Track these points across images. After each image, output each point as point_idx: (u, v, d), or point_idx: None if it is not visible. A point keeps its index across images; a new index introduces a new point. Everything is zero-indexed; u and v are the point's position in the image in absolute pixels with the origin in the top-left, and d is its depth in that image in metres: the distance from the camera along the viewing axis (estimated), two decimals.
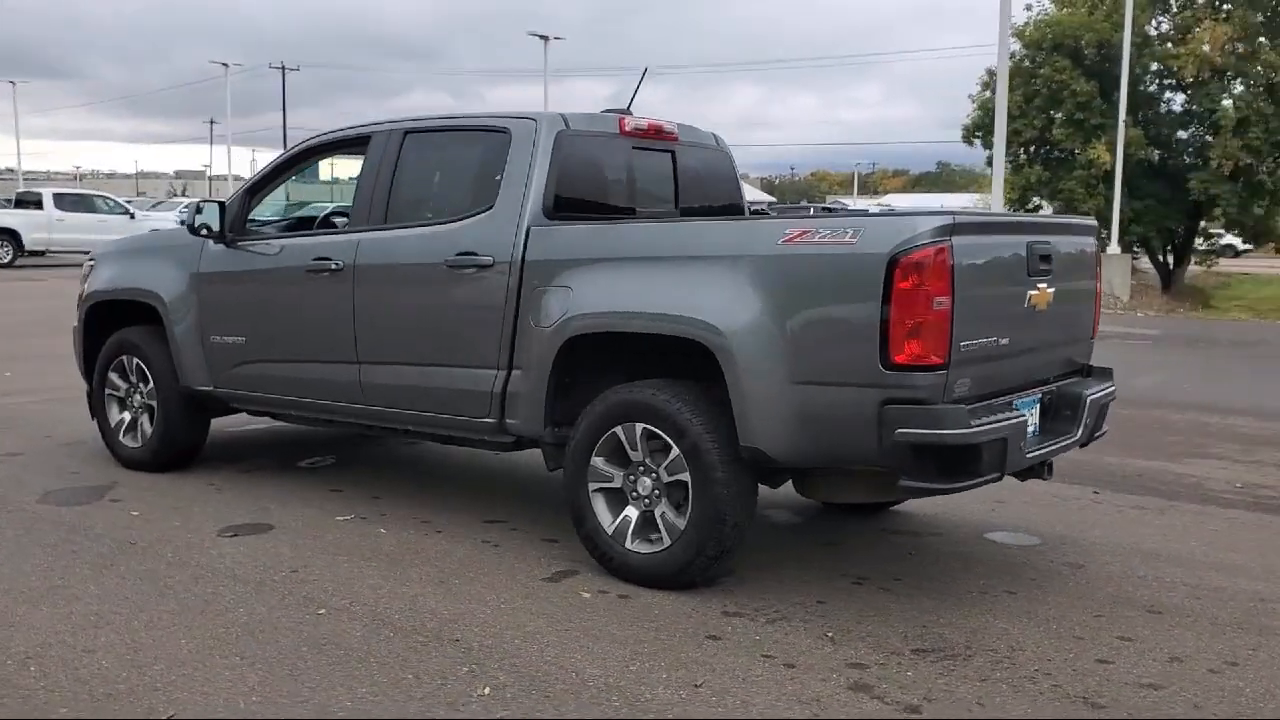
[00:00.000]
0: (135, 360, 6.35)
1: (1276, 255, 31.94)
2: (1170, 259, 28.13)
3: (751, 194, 43.98)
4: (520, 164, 4.95)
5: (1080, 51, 26.24)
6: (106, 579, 4.56)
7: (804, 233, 4.17)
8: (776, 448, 4.21)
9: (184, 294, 6.10)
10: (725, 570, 4.57)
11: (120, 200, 30.25)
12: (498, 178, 5.03)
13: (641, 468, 4.54)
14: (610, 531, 4.61)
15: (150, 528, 5.28)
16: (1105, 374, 5.14)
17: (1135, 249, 27.19)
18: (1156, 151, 26.57)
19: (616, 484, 4.62)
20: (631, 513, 4.59)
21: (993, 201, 19.84)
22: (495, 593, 4.46)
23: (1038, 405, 4.59)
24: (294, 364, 5.75)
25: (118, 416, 6.49)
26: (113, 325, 6.54)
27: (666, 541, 4.47)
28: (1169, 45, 26.05)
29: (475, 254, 4.96)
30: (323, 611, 4.23)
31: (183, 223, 25.27)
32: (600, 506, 4.65)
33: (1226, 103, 25.04)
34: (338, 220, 6.36)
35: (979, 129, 27.50)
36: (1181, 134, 27.03)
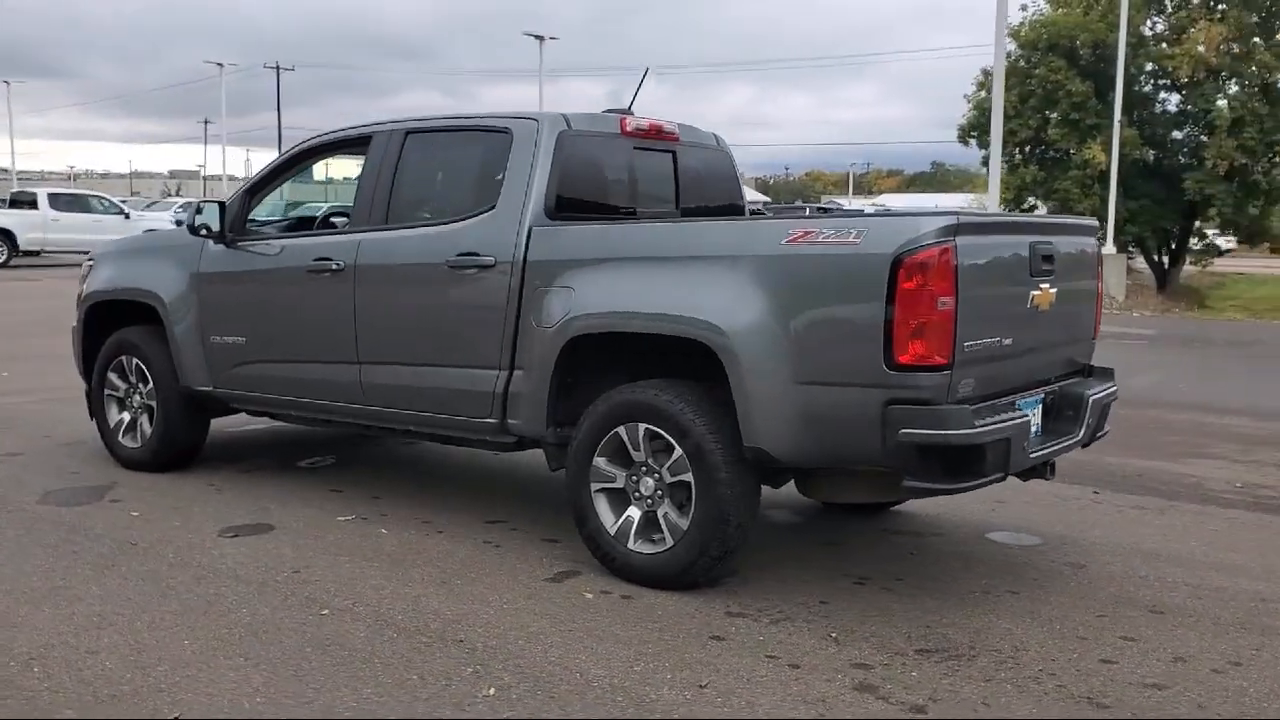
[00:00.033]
0: (135, 360, 6.33)
1: (1273, 255, 31.97)
2: (1165, 259, 28.19)
3: (746, 194, 43.84)
4: (522, 164, 4.94)
5: (1075, 52, 26.30)
6: (108, 580, 4.55)
7: (807, 233, 4.17)
8: (780, 448, 4.21)
9: (184, 294, 6.09)
10: (728, 571, 4.57)
11: (115, 200, 30.20)
12: (499, 178, 5.02)
13: (644, 468, 4.54)
14: (613, 532, 4.61)
15: (151, 528, 5.27)
16: (1107, 374, 5.15)
17: (1130, 249, 27.26)
18: (1151, 152, 26.63)
19: (619, 484, 4.62)
20: (634, 513, 4.59)
21: (989, 201, 19.88)
22: (498, 593, 4.46)
23: (1040, 405, 4.59)
24: (294, 364, 5.74)
25: (117, 416, 6.48)
26: (112, 325, 6.52)
27: (669, 542, 4.47)
28: (1164, 45, 26.11)
29: (477, 254, 4.96)
30: (326, 612, 4.22)
31: (178, 222, 25.22)
32: (602, 507, 4.65)
33: (1221, 103, 25.13)
34: (337, 220, 6.36)
35: (974, 129, 27.55)
36: (1176, 134, 27.10)
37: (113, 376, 6.45)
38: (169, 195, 59.55)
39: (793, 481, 4.75)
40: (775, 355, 4.16)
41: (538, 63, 42.02)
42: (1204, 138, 25.42)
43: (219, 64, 49.83)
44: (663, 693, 3.58)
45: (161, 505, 5.65)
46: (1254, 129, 24.23)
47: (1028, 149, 27.41)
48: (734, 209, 5.96)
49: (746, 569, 4.70)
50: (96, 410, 6.57)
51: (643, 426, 4.48)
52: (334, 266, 5.42)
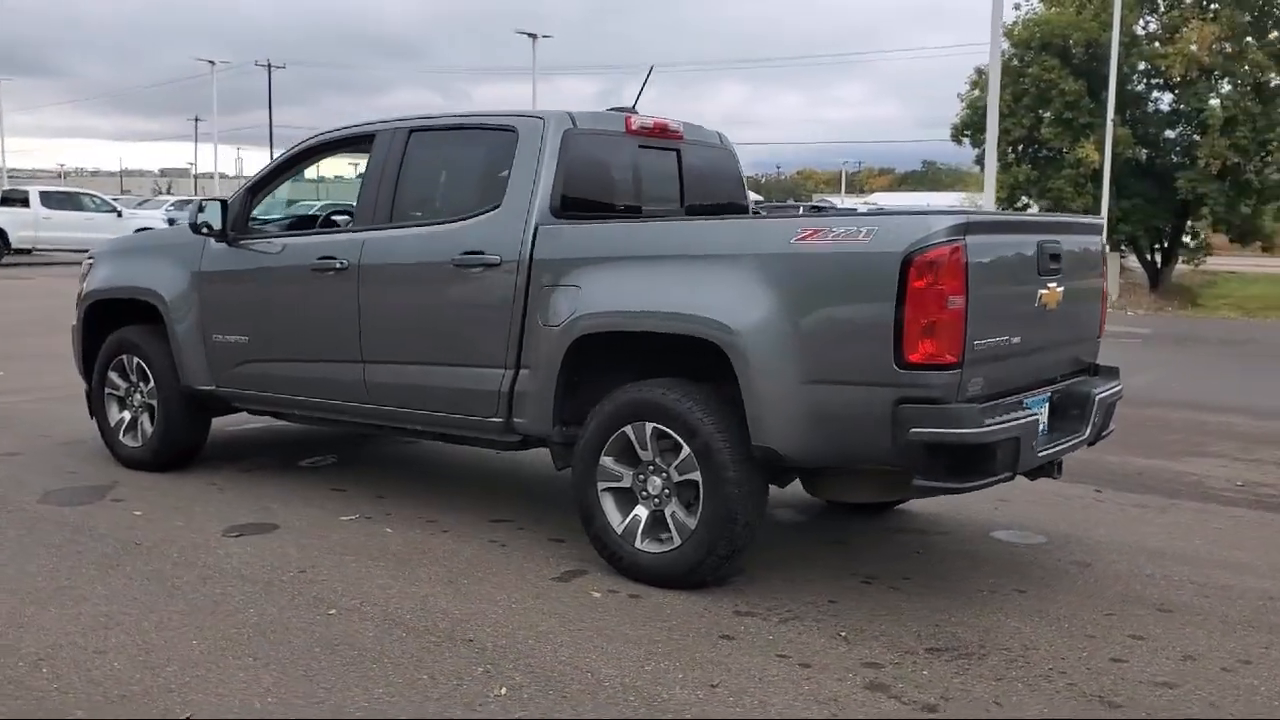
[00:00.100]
0: (135, 359, 6.30)
1: (1264, 253, 32.08)
2: (1158, 258, 28.26)
3: None
4: (527, 162, 4.93)
5: (1068, 51, 26.33)
6: (113, 579, 4.53)
7: (817, 231, 4.17)
8: (789, 447, 4.20)
9: (185, 293, 6.07)
10: (736, 570, 4.57)
11: (107, 198, 30.08)
12: (504, 176, 5.01)
13: (651, 467, 4.53)
14: (620, 531, 4.60)
15: (154, 528, 5.25)
16: (1112, 373, 5.16)
17: (1123, 248, 27.31)
18: (1144, 151, 26.69)
19: (626, 483, 4.61)
20: (641, 512, 4.58)
21: (983, 200, 19.91)
22: (505, 592, 4.44)
23: (1047, 404, 4.60)
24: (297, 363, 5.72)
25: (117, 416, 6.45)
26: (112, 324, 6.49)
27: (677, 541, 4.46)
28: (1157, 45, 26.15)
29: (482, 253, 4.94)
30: (333, 612, 4.21)
31: (171, 221, 25.08)
32: (609, 506, 4.64)
33: (1214, 102, 25.19)
34: (338, 219, 6.34)
35: (968, 128, 27.60)
36: (1169, 133, 27.15)
37: (113, 375, 6.42)
38: (160, 193, 59.28)
39: (799, 480, 4.76)
40: (784, 354, 4.15)
41: (527, 60, 42.01)
42: (1196, 137, 25.47)
43: (210, 62, 49.62)
44: (675, 692, 3.57)
45: (164, 505, 5.63)
46: (1246, 128, 24.28)
47: (1021, 148, 27.43)
48: (738, 207, 5.95)
49: (753, 568, 4.70)
50: (97, 409, 6.54)
51: (650, 425, 4.47)
52: (338, 265, 5.40)
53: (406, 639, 3.95)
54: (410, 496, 5.87)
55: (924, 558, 5.08)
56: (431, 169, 5.51)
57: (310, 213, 7.70)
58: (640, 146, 5.40)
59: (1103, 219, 5.50)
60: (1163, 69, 25.48)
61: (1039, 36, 26.32)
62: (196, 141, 78.18)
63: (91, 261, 6.73)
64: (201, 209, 5.88)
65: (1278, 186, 25.74)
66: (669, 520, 4.49)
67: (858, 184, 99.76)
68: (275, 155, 6.44)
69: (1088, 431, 4.73)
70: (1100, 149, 24.16)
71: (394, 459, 6.90)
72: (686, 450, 4.38)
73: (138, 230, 21.61)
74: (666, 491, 4.50)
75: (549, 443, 4.92)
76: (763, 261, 4.25)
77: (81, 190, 31.42)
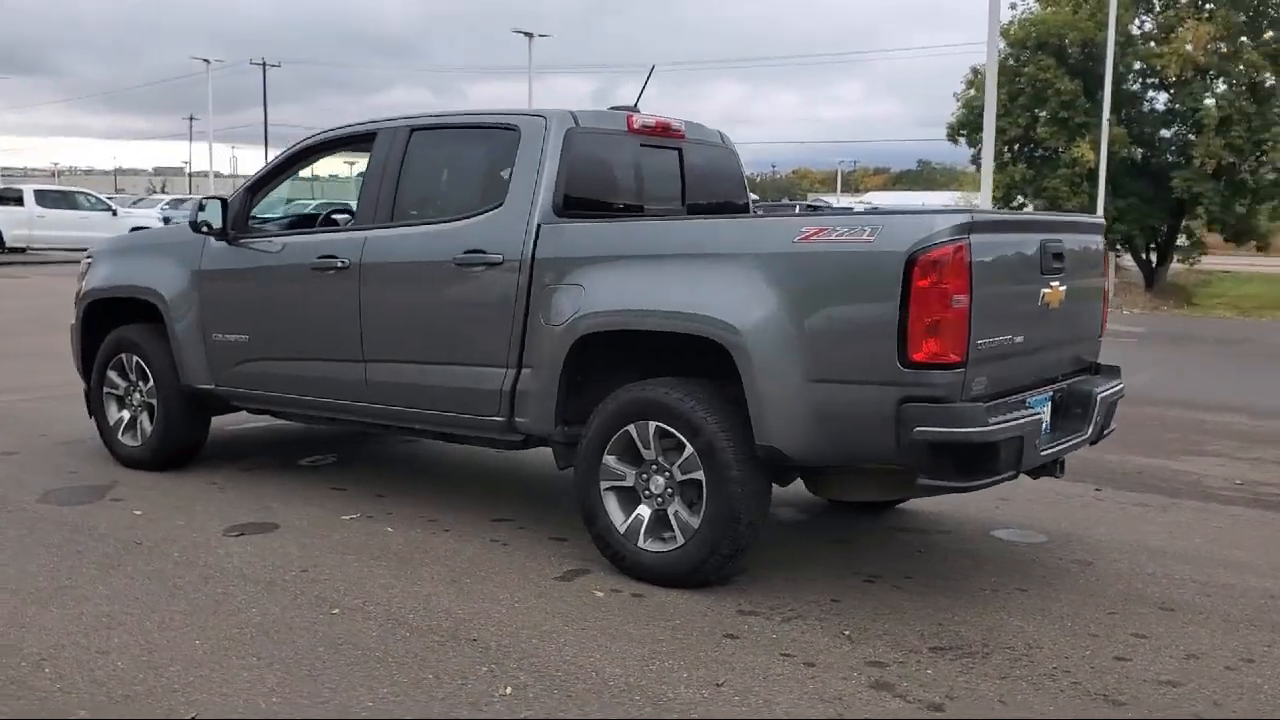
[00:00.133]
0: (135, 358, 6.29)
1: (1258, 253, 32.12)
2: (1153, 257, 28.31)
3: None
4: (530, 161, 4.92)
5: (1064, 50, 26.37)
6: (114, 579, 4.51)
7: (821, 231, 4.16)
8: (793, 446, 4.20)
9: (185, 291, 6.05)
10: (739, 569, 4.57)
11: (102, 197, 30.02)
12: (506, 175, 5.00)
13: (654, 466, 4.53)
14: (622, 530, 4.60)
15: (154, 527, 5.23)
16: (1113, 372, 5.17)
17: (1118, 247, 27.35)
18: (1140, 150, 26.73)
19: (629, 482, 4.60)
20: (644, 511, 4.57)
21: (979, 199, 19.92)
22: (508, 592, 4.44)
23: (1049, 403, 4.60)
24: (298, 362, 5.70)
25: (116, 415, 6.43)
26: (111, 323, 6.47)
27: (680, 540, 4.46)
28: (1152, 44, 26.20)
29: (484, 252, 4.93)
30: (336, 611, 4.20)
31: (166, 220, 24.99)
32: (612, 505, 4.63)
33: (1209, 102, 25.23)
34: (338, 218, 6.34)
35: (964, 127, 27.63)
36: (1165, 133, 27.19)
37: (112, 374, 6.40)
38: (154, 192, 59.24)
39: (801, 479, 4.76)
40: (788, 353, 4.15)
41: (524, 60, 41.96)
42: (1192, 136, 25.52)
43: (205, 60, 49.56)
44: (680, 691, 3.57)
45: (164, 504, 5.61)
46: (1241, 128, 24.33)
47: (1016, 147, 27.47)
48: (739, 207, 5.95)
49: (756, 567, 4.69)
50: (96, 408, 6.52)
51: (653, 424, 4.47)
52: (339, 264, 5.39)
53: (410, 638, 3.94)
54: (410, 496, 5.87)
55: (925, 557, 5.08)
56: (433, 168, 5.50)
57: (306, 212, 7.68)
58: (642, 145, 5.39)
59: (1102, 218, 5.49)
60: (1158, 69, 25.52)
61: (1035, 36, 26.36)
62: (191, 140, 78.13)
63: (90, 260, 6.71)
64: (202, 207, 5.87)
65: (1272, 186, 25.78)
66: (672, 519, 4.49)
67: (853, 183, 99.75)
68: (275, 154, 6.42)
69: (1090, 430, 4.73)
70: (1096, 148, 24.21)
71: (393, 458, 6.89)
72: (689, 449, 4.38)
73: (133, 229, 21.62)
74: (669, 491, 4.50)
75: (551, 442, 4.91)
76: (766, 261, 4.24)
77: (76, 189, 31.39)
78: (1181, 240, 28.17)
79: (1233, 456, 7.49)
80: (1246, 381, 11.85)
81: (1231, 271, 33.62)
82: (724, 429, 4.30)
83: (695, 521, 4.40)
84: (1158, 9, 26.83)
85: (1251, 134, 24.49)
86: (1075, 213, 20.38)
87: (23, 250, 26.18)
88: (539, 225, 4.83)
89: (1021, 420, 4.13)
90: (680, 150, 5.61)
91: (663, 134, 5.48)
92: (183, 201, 36.62)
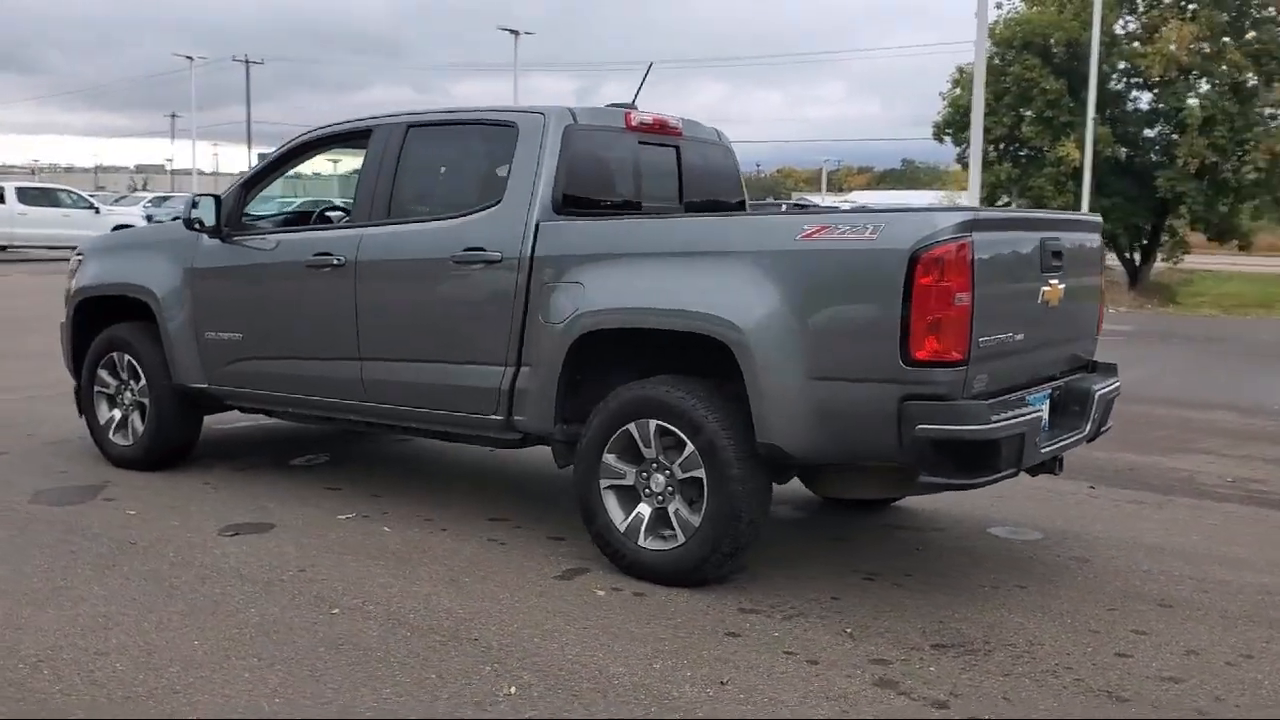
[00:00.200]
0: (126, 357, 6.23)
1: (1240, 252, 32.34)
2: (1137, 256, 28.46)
3: None
4: (528, 158, 4.90)
5: (1049, 50, 26.48)
6: (110, 580, 4.47)
7: (823, 228, 4.16)
8: (794, 444, 4.20)
9: (178, 289, 6.00)
10: (739, 567, 4.56)
11: (84, 194, 29.79)
12: (505, 172, 4.98)
13: (655, 464, 4.52)
14: (622, 529, 4.58)
15: (149, 527, 5.19)
16: (1110, 369, 5.19)
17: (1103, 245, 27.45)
18: (1124, 149, 26.85)
19: (629, 481, 4.59)
20: (644, 510, 4.56)
21: (963, 198, 19.99)
22: (508, 591, 4.42)
23: (1048, 401, 4.61)
24: (292, 361, 5.67)
25: (107, 414, 6.38)
26: (102, 321, 6.42)
27: (680, 538, 4.45)
28: (1136, 44, 26.34)
29: (483, 249, 4.91)
30: (336, 611, 4.17)
31: (149, 218, 24.74)
32: (612, 503, 4.62)
33: (1192, 101, 25.37)
34: (332, 215, 6.30)
35: (950, 126, 27.71)
36: (1148, 132, 27.33)
37: (103, 373, 6.35)
38: (135, 190, 58.79)
39: (799, 477, 4.76)
40: (790, 351, 4.14)
41: (506, 58, 42.15)
42: (1175, 136, 25.65)
43: (188, 57, 49.35)
44: (685, 690, 3.56)
45: (157, 504, 5.57)
46: (1224, 128, 24.48)
47: (1002, 146, 27.55)
48: (736, 204, 5.95)
49: (755, 565, 4.68)
50: (86, 408, 6.47)
51: (654, 423, 4.46)
52: (335, 261, 5.36)
53: (411, 638, 3.92)
54: (406, 495, 5.84)
55: (924, 554, 5.08)
56: (430, 165, 5.48)
57: (292, 209, 7.64)
58: (640, 143, 5.38)
59: (1099, 216, 5.51)
60: (1142, 68, 25.65)
61: (1020, 36, 26.46)
62: (173, 137, 77.65)
63: (81, 258, 6.65)
64: (195, 204, 5.82)
65: (1254, 185, 25.94)
66: (672, 518, 4.47)
67: (837, 182, 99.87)
68: (258, 152, 6.39)
69: (1088, 428, 4.75)
70: (1081, 147, 24.32)
71: (386, 457, 6.86)
72: (690, 447, 4.37)
73: (115, 227, 21.47)
74: (670, 489, 4.49)
75: (550, 441, 4.89)
76: (768, 258, 4.24)
77: (58, 186, 31.14)
78: (1164, 239, 28.34)
79: (1222, 454, 7.53)
80: (1233, 379, 11.92)
81: (1213, 270, 33.87)
82: (725, 427, 4.29)
83: (696, 520, 4.39)
84: (1141, 9, 26.97)
85: (1234, 134, 24.65)
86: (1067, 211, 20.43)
87: (3, 249, 25.95)
88: (538, 223, 4.81)
89: (1022, 418, 4.14)
90: (678, 148, 5.60)
91: (660, 131, 5.47)
92: (165, 199, 36.40)
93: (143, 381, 6.18)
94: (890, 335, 3.96)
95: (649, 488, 4.54)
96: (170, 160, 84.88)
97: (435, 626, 4.03)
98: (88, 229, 21.57)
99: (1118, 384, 5.10)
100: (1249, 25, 25.69)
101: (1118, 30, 26.79)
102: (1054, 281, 4.52)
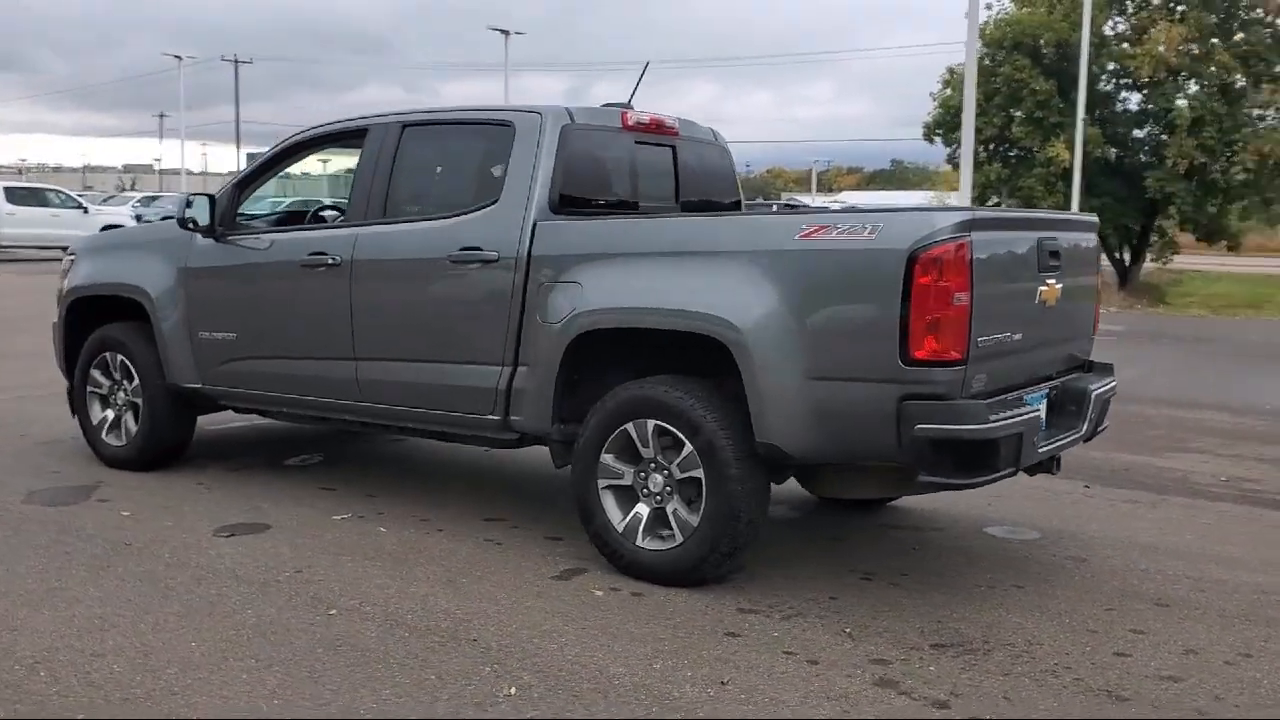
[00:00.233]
0: (119, 357, 6.20)
1: (1229, 252, 32.47)
2: (1127, 256, 28.55)
3: None
4: (525, 158, 4.89)
5: (1039, 51, 26.53)
6: (105, 581, 4.45)
7: (821, 228, 4.16)
8: (793, 444, 4.19)
9: (171, 289, 5.97)
10: (737, 567, 4.55)
11: (73, 194, 29.65)
12: (501, 172, 4.97)
13: (653, 464, 4.51)
14: (620, 529, 4.57)
15: (143, 528, 5.16)
16: (1106, 369, 5.20)
17: None
18: (1114, 150, 26.93)
19: (626, 481, 4.58)
20: (642, 510, 4.55)
21: (953, 199, 20.03)
22: (506, 591, 4.41)
23: (1045, 400, 4.62)
24: (287, 361, 5.64)
25: (100, 414, 6.35)
26: (95, 321, 6.38)
27: (679, 538, 4.44)
28: (1125, 45, 26.40)
29: (480, 249, 4.90)
30: (333, 612, 4.15)
31: (138, 218, 24.63)
32: (610, 503, 4.61)
33: (1181, 102, 25.44)
34: (327, 215, 6.28)
35: (940, 126, 27.73)
36: (1138, 133, 27.41)
37: (96, 373, 6.32)
38: (123, 189, 58.50)
39: (796, 477, 4.75)
40: (789, 351, 4.14)
41: (497, 58, 41.87)
42: (1164, 137, 25.72)
43: (177, 56, 49.17)
44: (685, 690, 3.55)
45: (151, 504, 5.54)
46: (1213, 128, 24.56)
47: (992, 147, 27.58)
48: (732, 204, 5.95)
49: (753, 565, 4.68)
50: (79, 408, 6.43)
51: (652, 423, 4.45)
52: (330, 261, 5.34)
53: (410, 639, 3.91)
54: (401, 495, 5.82)
55: (920, 554, 5.09)
56: (426, 164, 5.45)
57: (283, 209, 7.61)
58: (636, 143, 5.37)
59: (1095, 216, 5.52)
60: (1131, 69, 25.71)
61: (1010, 36, 26.49)
62: (161, 137, 77.37)
63: (73, 257, 6.62)
64: (189, 204, 5.80)
65: (1243, 186, 26.04)
66: (671, 518, 4.47)
67: (826, 183, 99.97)
68: (247, 152, 6.36)
69: (1085, 428, 4.75)
70: (1070, 148, 24.38)
71: (381, 457, 6.84)
72: (689, 447, 4.36)
73: (104, 228, 21.37)
74: (668, 489, 4.48)
75: (547, 441, 4.88)
76: (767, 258, 4.23)
77: (47, 186, 30.96)
78: (1154, 239, 28.43)
79: (1216, 453, 7.56)
80: (1223, 379, 11.96)
81: (1201, 271, 33.98)
82: (723, 427, 4.29)
83: (694, 519, 4.39)
84: (1130, 10, 27.06)
85: (1223, 134, 24.73)
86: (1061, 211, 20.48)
87: None
88: (535, 222, 4.80)
89: (1021, 417, 4.14)
90: (674, 148, 5.59)
91: (657, 131, 5.46)
92: (154, 199, 36.25)
93: (136, 381, 6.15)
94: (889, 335, 3.96)
95: (647, 488, 4.54)
96: (159, 160, 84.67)
97: (433, 627, 4.02)
98: (76, 229, 21.48)
99: (1114, 384, 5.11)
100: (1237, 27, 25.79)
101: (1107, 31, 26.86)
102: (1051, 281, 4.53)
